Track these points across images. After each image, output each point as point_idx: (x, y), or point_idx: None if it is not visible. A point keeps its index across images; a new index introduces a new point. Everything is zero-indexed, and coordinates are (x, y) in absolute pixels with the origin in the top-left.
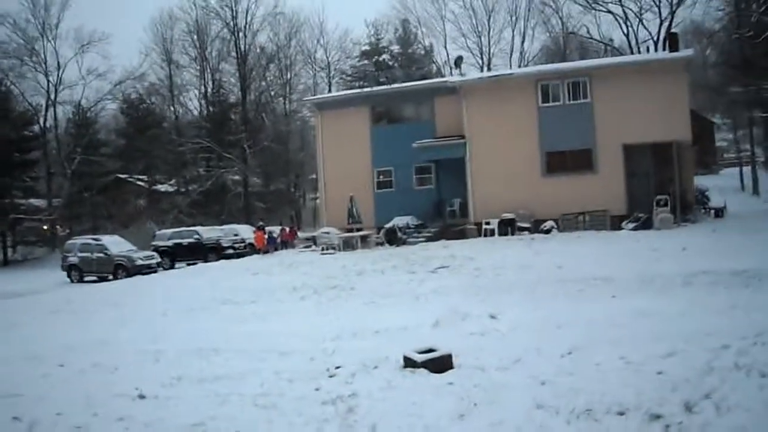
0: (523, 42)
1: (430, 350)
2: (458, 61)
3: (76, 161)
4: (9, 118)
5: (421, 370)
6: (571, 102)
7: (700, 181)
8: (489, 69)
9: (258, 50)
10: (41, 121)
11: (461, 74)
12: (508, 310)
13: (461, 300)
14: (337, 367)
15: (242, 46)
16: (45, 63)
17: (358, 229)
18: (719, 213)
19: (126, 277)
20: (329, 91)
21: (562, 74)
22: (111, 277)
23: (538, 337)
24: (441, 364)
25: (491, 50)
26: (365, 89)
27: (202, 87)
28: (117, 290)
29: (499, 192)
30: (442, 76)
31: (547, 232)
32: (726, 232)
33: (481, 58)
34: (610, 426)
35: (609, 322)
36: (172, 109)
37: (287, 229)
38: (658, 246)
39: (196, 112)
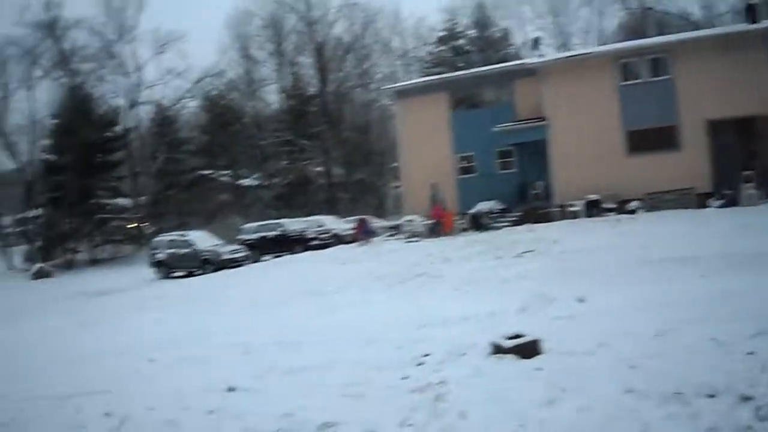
0: (600, 20)
1: (518, 336)
2: (536, 42)
3: (160, 160)
4: (91, 120)
5: (509, 356)
6: (652, 79)
7: None
8: (567, 49)
9: (334, 41)
10: (123, 122)
11: (539, 55)
12: (595, 293)
13: (548, 284)
14: (425, 355)
15: (318, 38)
16: (124, 65)
17: (432, 219)
18: None
19: (213, 271)
20: (407, 79)
21: (641, 51)
22: (198, 272)
23: (625, 319)
24: (529, 350)
25: (569, 30)
26: (443, 75)
27: (281, 81)
28: (204, 285)
29: (582, 173)
30: (520, 58)
31: (632, 212)
32: None
33: (559, 39)
34: (700, 409)
35: (697, 303)
36: (251, 104)
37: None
38: (746, 223)
39: (275, 106)
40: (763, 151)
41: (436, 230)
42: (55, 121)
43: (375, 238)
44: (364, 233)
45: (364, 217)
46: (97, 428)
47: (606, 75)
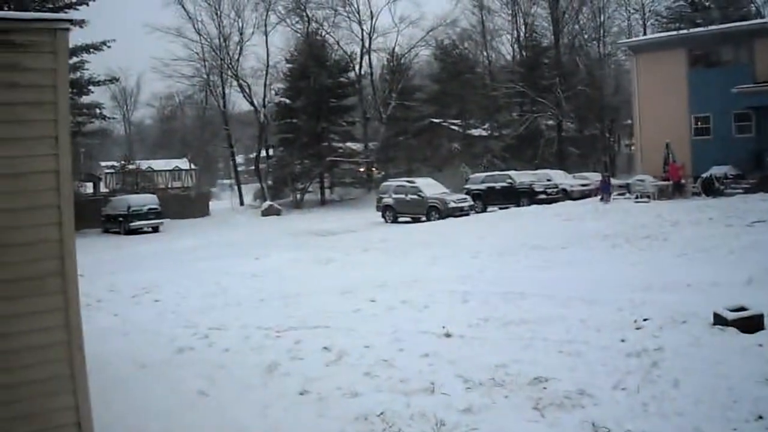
0: None
1: (741, 308)
2: None
3: (391, 106)
4: (326, 66)
5: (731, 328)
6: None
7: None
8: None
9: None
10: (356, 68)
11: None
12: None
13: None
14: (645, 320)
15: None
16: (358, 12)
17: (668, 178)
18: None
19: (439, 219)
20: (644, 33)
21: None
22: (424, 218)
23: None
24: (752, 324)
25: None
26: (681, 31)
27: (515, 32)
28: (430, 231)
29: None
30: (762, 17)
31: None
32: None
33: None
34: None
35: None
36: (484, 54)
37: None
38: None
39: (508, 57)
40: None
41: (673, 190)
42: (290, 65)
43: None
44: (604, 190)
45: (607, 173)
46: (315, 361)
47: None
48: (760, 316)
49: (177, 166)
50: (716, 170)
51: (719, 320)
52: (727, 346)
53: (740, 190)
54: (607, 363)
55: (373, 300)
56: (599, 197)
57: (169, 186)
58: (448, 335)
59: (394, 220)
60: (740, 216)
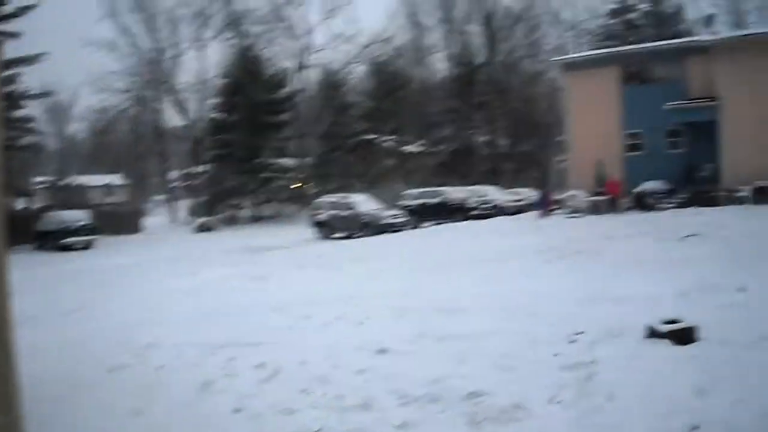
0: None
1: (674, 321)
2: (709, 19)
3: (326, 122)
4: (260, 81)
5: (664, 341)
6: None
7: None
8: (742, 27)
9: (504, 11)
10: (291, 84)
11: (713, 33)
12: (759, 283)
13: (710, 270)
14: (579, 333)
15: (487, 7)
16: (293, 28)
17: (606, 193)
18: None
19: (373, 234)
20: (577, 51)
21: None
22: (358, 234)
23: None
24: (685, 336)
25: (744, 7)
26: (614, 49)
27: (448, 49)
28: (364, 247)
29: (753, 158)
30: (693, 35)
31: None
32: None
33: (735, 16)
34: None
35: None
36: (418, 71)
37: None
38: None
39: (442, 74)
40: None
41: (606, 205)
42: (225, 80)
43: (546, 211)
44: (542, 205)
45: (546, 188)
46: (249, 378)
47: None
48: (693, 329)
49: (110, 182)
50: (649, 185)
51: (653, 333)
52: (661, 358)
53: (673, 205)
54: (542, 377)
55: (308, 316)
56: (539, 212)
57: (103, 202)
58: (383, 351)
59: (329, 236)
60: (672, 230)
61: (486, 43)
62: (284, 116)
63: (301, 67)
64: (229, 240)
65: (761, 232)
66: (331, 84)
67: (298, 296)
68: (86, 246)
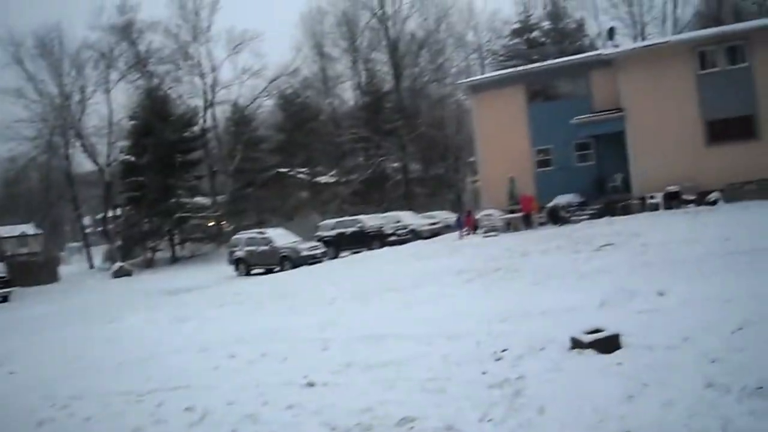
0: (675, 8)
1: (597, 330)
2: (611, 32)
3: (237, 158)
4: (169, 121)
5: (589, 350)
6: (731, 67)
7: None
8: (643, 39)
9: (408, 37)
10: (201, 122)
11: (615, 46)
12: (676, 286)
13: (628, 277)
14: (504, 350)
15: (392, 34)
16: (200, 65)
17: (520, 210)
18: None
19: (292, 268)
20: (482, 72)
21: (719, 39)
22: (277, 268)
23: (707, 313)
24: (609, 345)
25: (644, 19)
26: (519, 68)
27: (355, 77)
28: (283, 281)
29: (661, 164)
30: (596, 49)
31: (713, 203)
32: None
33: (634, 28)
34: None
35: None
36: (327, 101)
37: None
38: None
39: (351, 103)
40: None
41: (521, 222)
42: (133, 122)
43: (466, 231)
44: (462, 226)
45: (468, 209)
46: (178, 422)
47: (683, 64)
48: (616, 336)
49: (23, 232)
50: (561, 199)
51: (577, 344)
52: (587, 368)
53: (586, 217)
54: (472, 396)
55: (233, 355)
56: (459, 233)
57: (17, 252)
58: (311, 384)
59: (248, 273)
60: (587, 241)
61: (392, 69)
62: (195, 154)
63: (210, 104)
64: (147, 283)
65: (673, 237)
66: (241, 119)
67: (221, 336)
68: (4, 299)
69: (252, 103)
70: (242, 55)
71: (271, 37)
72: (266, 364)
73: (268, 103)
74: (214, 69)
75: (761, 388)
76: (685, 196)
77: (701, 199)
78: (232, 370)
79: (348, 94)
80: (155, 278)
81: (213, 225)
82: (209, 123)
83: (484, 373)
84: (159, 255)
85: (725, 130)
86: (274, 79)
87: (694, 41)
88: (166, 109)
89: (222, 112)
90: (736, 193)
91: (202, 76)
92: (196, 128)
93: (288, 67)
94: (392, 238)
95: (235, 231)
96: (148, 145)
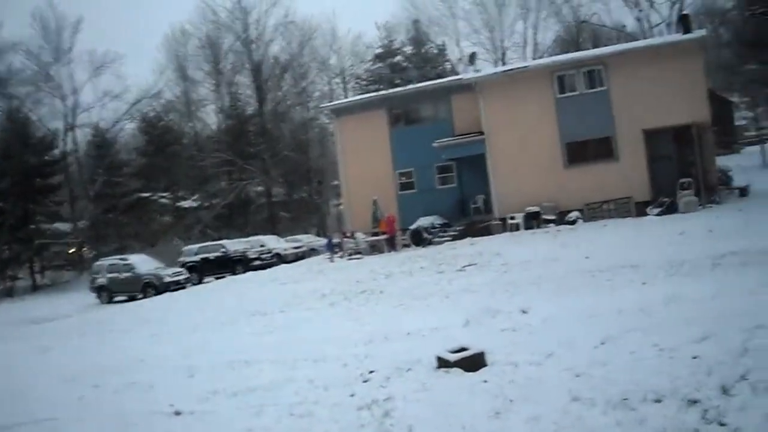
0: (535, 34)
1: (463, 349)
2: (472, 57)
3: (99, 183)
4: (29, 144)
5: (455, 369)
6: (588, 91)
7: (722, 161)
8: (504, 63)
9: (272, 60)
10: (61, 145)
11: (476, 71)
12: (539, 304)
13: (491, 297)
14: (371, 372)
15: (256, 58)
16: (61, 88)
17: (383, 233)
18: (743, 192)
19: (155, 294)
20: (345, 96)
21: (577, 64)
22: (140, 295)
23: (570, 329)
24: (474, 363)
25: (504, 44)
26: (381, 92)
27: (219, 101)
28: (147, 308)
29: (522, 186)
30: (457, 74)
31: (573, 222)
32: (752, 211)
33: (495, 53)
34: (647, 414)
35: (640, 310)
36: (190, 125)
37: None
38: (685, 229)
39: (214, 127)
40: (699, 158)
41: (385, 244)
42: None
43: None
44: (331, 249)
45: (337, 232)
46: None
47: (542, 88)
48: (481, 354)
49: None
50: (423, 221)
51: (443, 363)
52: (454, 386)
53: (448, 238)
54: (340, 419)
55: (97, 385)
56: (329, 256)
57: None
58: (177, 413)
59: (110, 300)
60: (450, 262)
61: (256, 93)
62: (56, 179)
63: (71, 127)
64: (7, 313)
65: (534, 256)
66: (102, 143)
67: (85, 365)
68: None
69: (114, 126)
70: (104, 78)
71: (133, 59)
72: (131, 393)
73: (130, 127)
74: (75, 91)
75: (626, 399)
76: (545, 216)
77: (561, 218)
78: (98, 400)
79: (211, 118)
80: (15, 307)
81: (74, 251)
82: (70, 146)
83: (352, 395)
84: (19, 283)
85: (584, 151)
86: (136, 102)
87: (553, 66)
88: (26, 132)
89: (83, 135)
90: (594, 212)
91: (63, 98)
92: (56, 152)
93: (150, 89)
94: (256, 263)
95: (97, 257)
96: (6, 169)
